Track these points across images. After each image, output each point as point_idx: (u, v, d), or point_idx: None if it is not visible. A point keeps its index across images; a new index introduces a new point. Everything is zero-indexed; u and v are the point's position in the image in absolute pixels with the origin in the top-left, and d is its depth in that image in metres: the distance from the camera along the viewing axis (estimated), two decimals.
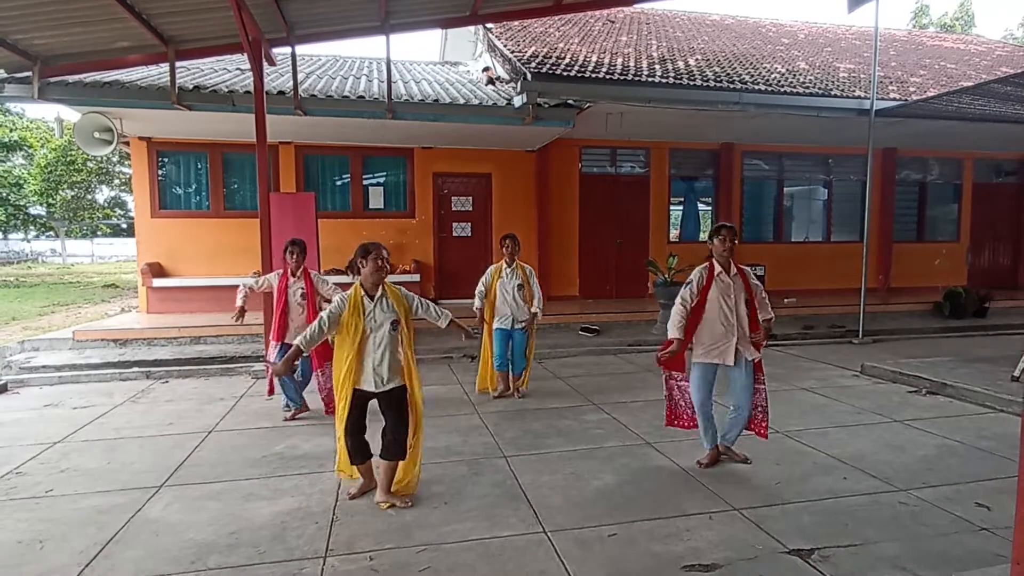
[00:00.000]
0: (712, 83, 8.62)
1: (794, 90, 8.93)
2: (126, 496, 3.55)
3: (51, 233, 36.24)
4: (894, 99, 9.23)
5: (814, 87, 9.24)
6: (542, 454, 4.21)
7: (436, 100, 8.21)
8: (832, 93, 9.10)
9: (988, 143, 11.38)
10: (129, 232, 34.22)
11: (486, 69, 10.36)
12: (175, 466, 4.02)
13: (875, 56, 8.53)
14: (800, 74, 9.98)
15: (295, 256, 5.00)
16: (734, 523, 3.17)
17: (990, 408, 5.22)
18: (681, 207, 11.89)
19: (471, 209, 10.62)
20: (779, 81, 9.25)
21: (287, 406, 5.07)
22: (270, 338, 5.13)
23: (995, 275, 12.59)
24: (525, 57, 8.69)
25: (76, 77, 7.22)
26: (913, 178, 12.57)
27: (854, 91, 9.33)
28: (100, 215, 32.62)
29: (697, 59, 10.14)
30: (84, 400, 5.69)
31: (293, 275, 5.04)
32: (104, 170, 27.58)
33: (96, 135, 7.75)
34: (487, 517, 3.25)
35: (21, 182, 28.67)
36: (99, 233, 38.15)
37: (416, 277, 9.72)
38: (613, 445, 4.39)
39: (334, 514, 3.30)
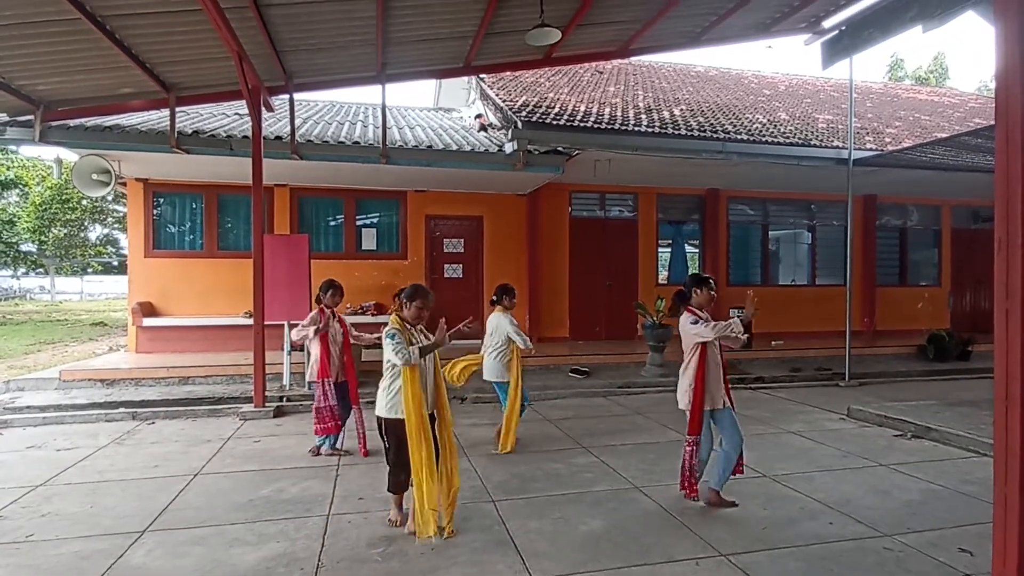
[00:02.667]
0: (696, 132, 8.94)
1: (775, 140, 9.27)
2: (108, 541, 3.51)
3: (41, 270, 36.04)
4: (871, 149, 9.60)
5: (794, 137, 9.60)
6: (530, 498, 4.21)
7: (430, 146, 8.45)
8: (811, 143, 9.45)
9: (964, 191, 11.77)
10: (120, 270, 34.11)
11: (478, 116, 10.68)
12: (159, 510, 3.97)
13: (851, 108, 8.92)
14: (781, 124, 10.37)
15: (335, 297, 5.29)
16: (721, 569, 3.18)
17: (974, 452, 5.28)
18: (669, 250, 12.13)
19: (463, 251, 10.78)
20: (761, 131, 9.61)
21: (328, 444, 5.20)
22: (316, 377, 5.19)
23: (977, 319, 12.82)
24: (516, 106, 9.00)
25: (77, 121, 7.40)
26: (893, 224, 12.92)
27: (832, 141, 9.70)
28: (92, 253, 32.55)
29: (682, 109, 10.53)
30: (68, 442, 5.62)
31: (333, 315, 5.28)
32: (98, 208, 27.69)
33: (94, 177, 7.87)
34: (474, 563, 3.24)
35: (14, 219, 28.69)
36: (89, 270, 37.98)
37: None
38: (601, 489, 4.39)
39: (320, 560, 3.28)
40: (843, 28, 6.45)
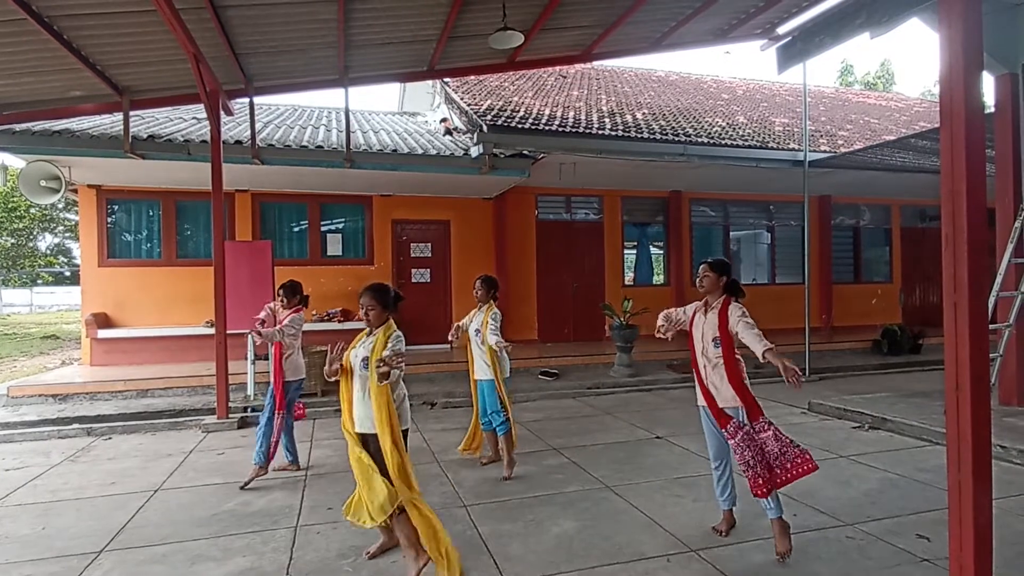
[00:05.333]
0: (658, 135, 9.10)
1: (734, 142, 9.52)
2: (62, 564, 3.35)
3: None
4: (825, 151, 9.94)
5: (752, 140, 9.87)
6: (502, 501, 4.20)
7: (395, 150, 8.38)
8: (769, 145, 9.74)
9: (912, 191, 12.27)
10: (72, 280, 32.70)
11: (444, 120, 10.65)
12: (117, 529, 3.82)
13: (805, 112, 9.22)
14: (739, 127, 10.64)
15: (283, 298, 4.88)
16: (691, 564, 3.23)
17: (927, 441, 5.49)
18: (635, 251, 12.30)
19: (430, 255, 10.71)
20: (720, 134, 9.85)
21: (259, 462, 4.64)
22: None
23: (927, 313, 13.38)
24: (481, 110, 9.01)
25: (24, 125, 7.10)
26: (847, 223, 13.39)
27: (789, 144, 10.00)
28: (42, 263, 31.18)
29: (644, 113, 10.70)
30: (17, 461, 5.36)
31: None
32: (48, 217, 26.57)
33: (43, 183, 7.56)
34: None
35: None
36: (40, 282, 36.31)
37: None
38: (573, 490, 4.41)
39: (288, 573, 3.20)
40: (796, 34, 6.67)
